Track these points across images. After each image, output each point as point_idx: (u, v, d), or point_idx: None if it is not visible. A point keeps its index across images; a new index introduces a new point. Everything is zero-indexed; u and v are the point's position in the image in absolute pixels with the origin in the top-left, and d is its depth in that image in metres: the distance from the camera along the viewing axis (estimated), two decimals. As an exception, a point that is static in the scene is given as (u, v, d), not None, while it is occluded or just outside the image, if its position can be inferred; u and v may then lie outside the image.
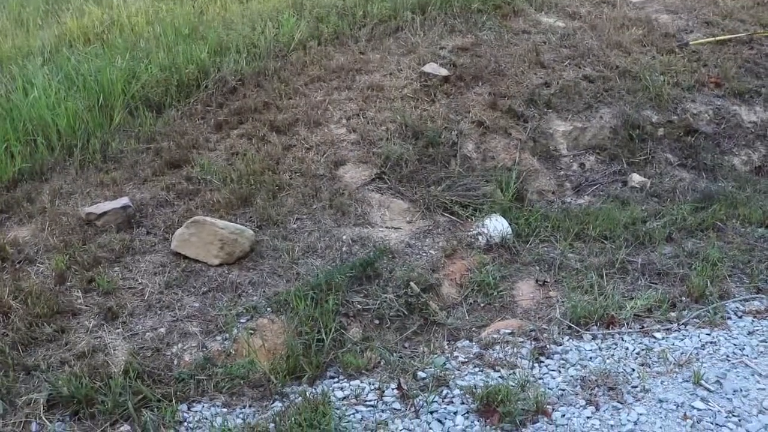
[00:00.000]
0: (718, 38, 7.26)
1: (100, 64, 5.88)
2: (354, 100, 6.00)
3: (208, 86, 6.02)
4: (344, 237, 4.73)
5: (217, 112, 5.85)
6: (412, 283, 4.39)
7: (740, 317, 4.08)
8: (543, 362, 3.75)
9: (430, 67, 6.34)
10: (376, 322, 4.21)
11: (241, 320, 4.03)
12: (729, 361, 3.68)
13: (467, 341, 4.07)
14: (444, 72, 6.30)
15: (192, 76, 6.04)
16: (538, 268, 4.81)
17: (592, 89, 6.45)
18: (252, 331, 3.97)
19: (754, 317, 4.07)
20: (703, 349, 3.79)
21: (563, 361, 3.74)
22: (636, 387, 3.51)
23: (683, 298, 4.32)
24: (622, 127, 6.19)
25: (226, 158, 5.34)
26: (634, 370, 3.64)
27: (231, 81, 6.07)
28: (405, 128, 5.68)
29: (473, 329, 4.23)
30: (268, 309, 4.12)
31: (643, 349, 3.81)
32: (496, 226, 5.03)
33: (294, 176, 5.18)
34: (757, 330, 3.93)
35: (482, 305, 4.45)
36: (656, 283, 4.54)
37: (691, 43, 7.17)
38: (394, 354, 3.98)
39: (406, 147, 5.51)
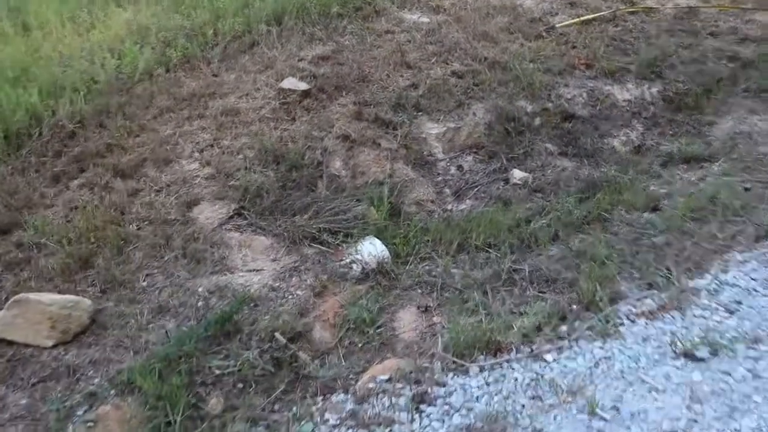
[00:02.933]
0: (582, 18, 6.91)
1: None
2: (207, 129, 5.33)
3: (43, 133, 5.23)
4: (200, 289, 4.08)
5: (53, 162, 5.07)
6: (277, 334, 3.79)
7: (633, 321, 3.63)
8: (424, 411, 3.20)
9: (289, 83, 5.72)
10: (240, 386, 3.58)
11: (78, 412, 3.33)
12: (624, 378, 3.22)
13: (343, 394, 3.49)
14: (304, 86, 5.69)
15: (22, 125, 5.23)
16: (419, 291, 4.28)
17: (462, 85, 5.97)
18: (91, 425, 3.28)
19: (647, 319, 3.63)
20: (597, 368, 3.32)
21: (447, 407, 3.21)
22: (527, 429, 3.00)
23: (573, 307, 3.85)
24: (497, 121, 5.73)
25: (64, 215, 4.60)
26: (524, 406, 3.13)
27: (68, 125, 5.29)
28: (264, 153, 5.05)
29: (350, 377, 3.65)
30: (111, 392, 3.44)
31: (533, 379, 3.30)
32: (371, 250, 4.46)
33: (142, 225, 4.49)
34: (651, 335, 3.48)
35: (360, 346, 3.88)
36: (545, 292, 4.07)
37: (557, 26, 6.79)
38: (260, 423, 3.37)
39: (267, 175, 4.88)
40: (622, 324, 3.62)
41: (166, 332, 3.78)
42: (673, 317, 3.60)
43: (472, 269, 4.42)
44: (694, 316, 3.59)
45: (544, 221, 4.84)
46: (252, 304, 4.00)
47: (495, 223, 4.81)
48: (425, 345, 3.81)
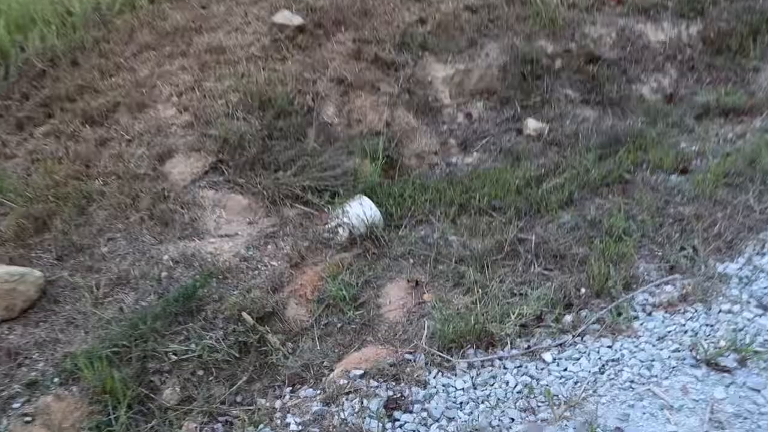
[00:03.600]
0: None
1: None
2: (189, 69, 4.77)
3: (9, 73, 4.72)
4: (165, 258, 3.62)
5: (19, 105, 4.59)
6: (244, 314, 3.33)
7: (649, 314, 3.10)
8: (398, 420, 2.74)
9: (282, 16, 5.10)
10: (200, 374, 3.16)
11: (15, 404, 2.94)
12: (633, 389, 2.72)
13: (311, 388, 3.04)
14: (298, 20, 5.07)
15: (-12, 63, 4.73)
16: (411, 261, 3.78)
17: (475, 21, 5.29)
18: (29, 419, 2.89)
19: (666, 311, 3.10)
20: (603, 374, 2.81)
21: (425, 415, 2.75)
22: (513, 452, 2.54)
23: (582, 291, 3.32)
24: (513, 63, 5.07)
25: (25, 168, 4.14)
26: (513, 420, 2.66)
27: (37, 63, 4.76)
28: (250, 98, 4.49)
29: (324, 365, 3.20)
30: (55, 381, 3.03)
31: (526, 385, 2.81)
32: (360, 211, 3.95)
33: (108, 180, 4.02)
34: (669, 334, 2.96)
35: (339, 326, 3.42)
36: (551, 269, 3.54)
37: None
38: (218, 419, 2.96)
39: (250, 122, 4.34)
40: (636, 317, 3.09)
41: (122, 309, 3.35)
42: (696, 311, 3.07)
43: (472, 236, 3.89)
44: (721, 311, 3.05)
45: (557, 181, 4.26)
46: (221, 277, 3.54)
47: (502, 182, 4.25)
48: (411, 329, 3.33)
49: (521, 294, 3.38)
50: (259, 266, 3.62)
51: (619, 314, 3.11)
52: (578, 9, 5.49)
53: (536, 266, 3.58)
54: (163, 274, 3.54)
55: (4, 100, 4.57)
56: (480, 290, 3.44)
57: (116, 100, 4.52)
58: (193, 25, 5.14)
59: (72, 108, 4.48)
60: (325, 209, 4.00)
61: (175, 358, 3.16)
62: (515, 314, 3.18)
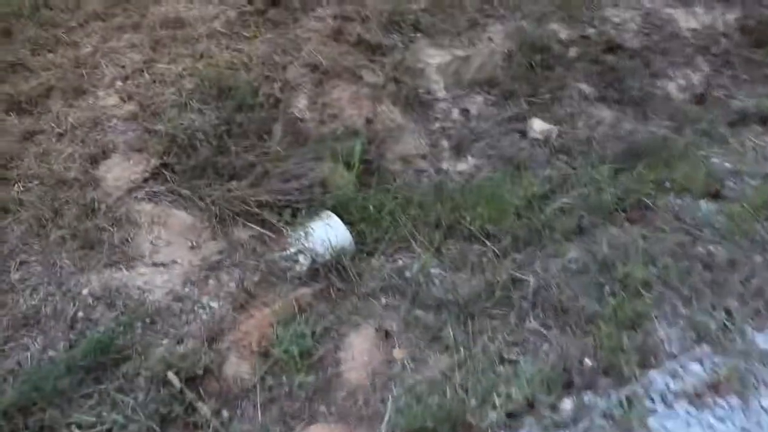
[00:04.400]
0: None
1: None
2: (139, 46, 4.03)
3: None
4: (84, 292, 2.96)
5: (-61, 85, 3.85)
6: (170, 374, 2.68)
7: (670, 406, 2.44)
8: None
9: (253, -14, 4.31)
10: (111, 451, 2.53)
11: None
12: None
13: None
14: (270, -9, 4.28)
15: None
16: (384, 301, 3.12)
17: (477, -2, 4.48)
18: None
19: (691, 404, 2.43)
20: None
21: None
22: None
23: (586, 363, 2.66)
24: (520, 50, 4.30)
25: (-65, 164, 3.44)
26: None
27: (-37, 33, 4.02)
28: (207, 85, 3.75)
29: (263, 447, 2.56)
30: None
31: None
32: (327, 235, 3.27)
33: (30, 186, 3.32)
34: (696, 441, 2.29)
35: (287, 390, 2.77)
36: (551, 327, 2.88)
37: None
38: None
39: (205, 116, 3.61)
40: (652, 411, 2.42)
41: (19, 363, 2.70)
42: (730, 408, 2.40)
43: (458, 271, 3.22)
44: (763, 408, 2.38)
45: (565, 200, 3.56)
46: (148, 321, 2.88)
47: (499, 201, 3.55)
48: (373, 399, 2.69)
49: (511, 361, 2.72)
50: (196, 308, 2.95)
51: (630, 404, 2.44)
52: (597, -14, 4.67)
53: (532, 320, 2.91)
54: (80, 314, 2.88)
55: None
56: (462, 350, 2.78)
57: (51, 83, 3.79)
58: (151, -9, 4.36)
59: (0, 91, 3.75)
60: (284, 231, 3.31)
61: (80, 432, 2.53)
62: (502, 396, 2.52)
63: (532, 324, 2.88)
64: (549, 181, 3.70)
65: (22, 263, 3.07)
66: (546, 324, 2.87)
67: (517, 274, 3.13)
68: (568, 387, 2.56)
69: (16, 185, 3.33)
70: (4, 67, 3.89)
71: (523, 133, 4.07)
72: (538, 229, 3.38)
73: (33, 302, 2.91)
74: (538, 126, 4.04)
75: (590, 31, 4.42)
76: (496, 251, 3.29)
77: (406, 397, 2.60)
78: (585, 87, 4.26)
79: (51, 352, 2.76)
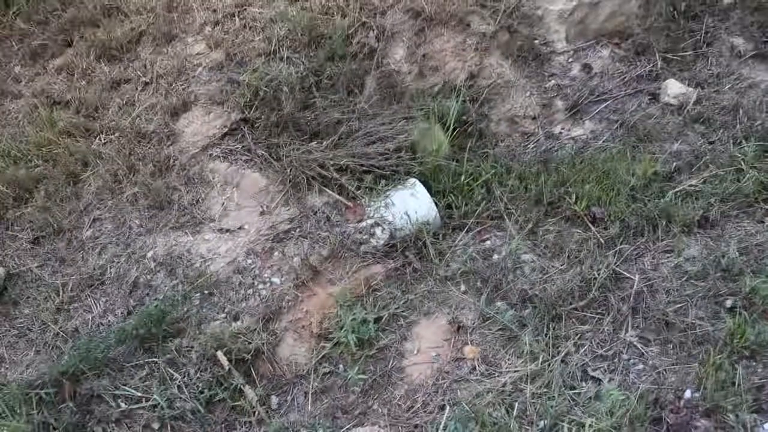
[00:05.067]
0: None
1: None
2: (233, -12, 3.78)
3: (36, -15, 3.96)
4: (149, 255, 2.86)
5: (40, 30, 3.85)
6: (219, 354, 2.52)
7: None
8: None
9: None
10: (155, 426, 2.43)
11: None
12: None
13: (280, 485, 2.23)
14: (377, -75, 3.86)
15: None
16: (463, 288, 2.78)
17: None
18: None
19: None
20: None
21: None
22: None
23: (686, 395, 2.20)
24: (661, -6, 3.63)
25: (28, 113, 3.44)
26: None
27: (66, -26, 3.96)
28: (299, 31, 3.46)
29: (309, 443, 2.37)
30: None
31: None
32: (410, 206, 2.96)
33: (110, 138, 3.24)
34: None
35: (341, 381, 2.54)
36: (650, 342, 2.43)
37: None
38: None
39: (294, 66, 3.34)
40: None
41: (77, 329, 2.64)
42: None
43: (553, 259, 2.81)
44: None
45: (692, 183, 3.00)
46: (206, 292, 2.72)
47: (614, 178, 3.06)
48: (433, 403, 2.40)
49: (595, 380, 2.31)
50: (257, 282, 2.75)
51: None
52: None
53: (630, 330, 2.47)
54: (141, 279, 2.78)
55: (26, 22, 3.85)
56: (541, 357, 2.41)
57: (142, 28, 3.67)
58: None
59: (92, 36, 3.69)
60: (363, 200, 3.02)
61: (125, 407, 2.44)
62: (573, 426, 2.13)
63: (629, 335, 2.45)
64: (677, 158, 3.14)
65: (95, 220, 3.01)
66: (645, 338, 2.42)
67: (621, 271, 2.68)
68: (656, 425, 2.12)
69: (97, 137, 3.26)
70: (102, 11, 3.81)
71: (655, 96, 3.48)
72: (654, 216, 2.87)
73: (100, 263, 2.86)
74: (673, 88, 3.43)
75: (754, -29, 3.66)
76: (600, 239, 2.83)
77: (467, 407, 2.28)
78: (739, 41, 3.56)
79: (110, 317, 2.69)
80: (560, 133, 3.47)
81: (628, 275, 2.65)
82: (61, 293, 2.78)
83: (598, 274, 2.64)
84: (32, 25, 3.83)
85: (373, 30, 3.50)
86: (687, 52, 3.54)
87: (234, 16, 3.64)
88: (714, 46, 3.55)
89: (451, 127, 3.27)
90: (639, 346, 2.40)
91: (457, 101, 3.31)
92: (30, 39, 3.78)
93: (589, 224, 2.92)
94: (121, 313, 2.71)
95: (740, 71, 3.48)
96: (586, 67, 3.60)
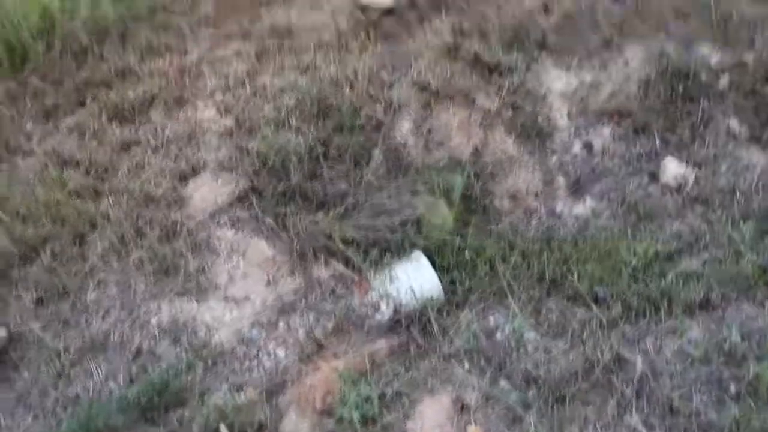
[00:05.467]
0: None
1: None
2: (245, 55, 3.89)
3: (52, 46, 4.02)
4: (153, 322, 2.85)
5: (54, 89, 3.90)
6: (222, 427, 2.50)
7: None
8: None
9: (369, -6, 4.04)
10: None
11: None
12: None
13: None
14: (386, 1, 3.98)
15: (29, 34, 4.02)
16: (466, 365, 2.78)
17: (616, 13, 3.97)
18: None
19: None
20: None
21: None
22: None
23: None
24: (660, 76, 3.75)
25: (38, 171, 3.46)
26: None
27: (83, 37, 4.02)
28: (308, 101, 3.53)
29: None
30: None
31: None
32: (415, 281, 2.98)
33: (118, 200, 3.25)
34: None
35: (345, 461, 2.51)
36: (654, 428, 2.43)
37: None
38: None
39: (303, 135, 3.38)
40: None
41: (78, 396, 2.62)
42: None
43: (556, 338, 2.83)
44: None
45: (693, 265, 3.05)
46: (210, 362, 2.71)
47: (615, 258, 3.10)
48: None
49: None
50: (261, 354, 2.76)
51: None
52: (766, 3, 4.00)
53: (633, 416, 2.47)
54: (145, 345, 2.78)
55: (41, 80, 3.89)
56: (545, 442, 2.40)
57: (154, 92, 3.72)
58: (266, -3, 4.20)
59: (106, 97, 3.74)
60: (368, 273, 3.03)
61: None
62: None
63: (633, 419, 2.45)
64: (677, 238, 3.20)
65: (99, 283, 3.01)
66: (649, 423, 2.43)
67: (624, 353, 2.69)
68: None
69: (106, 199, 3.28)
70: (116, 72, 3.87)
71: (654, 176, 3.56)
72: (656, 297, 2.91)
73: (103, 327, 2.86)
74: (672, 168, 3.51)
75: (749, 56, 3.78)
76: (603, 320, 2.86)
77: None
78: (735, 123, 3.66)
79: (112, 384, 2.68)
80: (562, 210, 3.53)
81: (631, 358, 2.66)
82: (62, 357, 2.76)
83: (602, 356, 2.65)
84: (46, 83, 3.87)
85: (381, 103, 3.57)
86: (685, 132, 3.63)
87: (245, 84, 3.71)
88: (710, 127, 3.64)
89: (456, 203, 3.32)
90: (643, 431, 2.40)
91: (462, 176, 3.37)
92: (43, 97, 3.81)
93: (592, 304, 2.95)
94: (123, 380, 2.69)
95: (737, 153, 3.57)
96: (588, 145, 3.68)
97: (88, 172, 3.40)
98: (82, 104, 3.79)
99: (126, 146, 3.51)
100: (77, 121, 3.68)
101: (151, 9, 4.18)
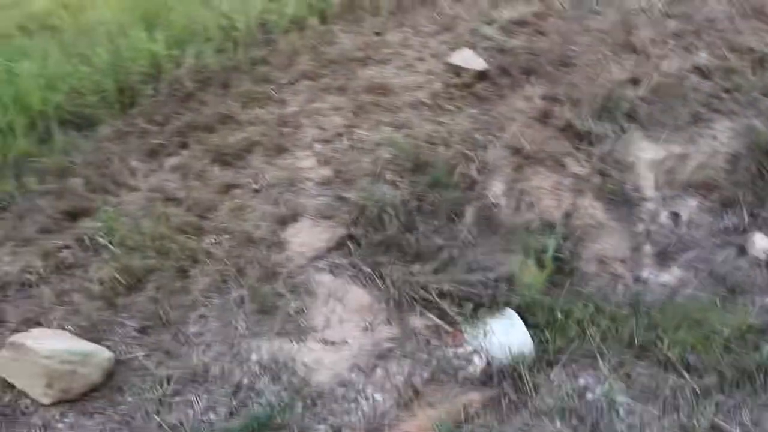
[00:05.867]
0: None
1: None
2: (342, 109, 4.03)
3: (159, 91, 4.23)
4: (253, 358, 2.91)
5: (159, 129, 4.08)
6: (322, 469, 2.53)
7: None
8: None
9: (462, 57, 4.22)
10: None
11: None
12: None
13: None
14: (479, 64, 4.16)
15: (138, 78, 4.26)
16: (558, 424, 2.77)
17: (705, 89, 4.07)
18: None
19: None
20: None
21: None
22: None
23: None
24: (748, 152, 3.81)
25: (143, 206, 3.60)
26: None
27: (187, 83, 4.23)
28: (404, 157, 3.65)
29: None
30: None
31: None
32: (507, 337, 3.01)
33: (220, 239, 3.37)
34: None
35: None
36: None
37: None
38: None
39: (398, 189, 3.50)
40: None
41: (181, 422, 2.68)
42: None
43: (647, 404, 2.81)
44: None
45: (787, 340, 3.03)
46: (309, 402, 2.76)
47: (706, 327, 3.09)
48: None
49: None
50: (359, 398, 2.79)
51: None
52: None
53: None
54: (245, 381, 2.83)
55: (147, 122, 4.08)
56: None
57: (254, 139, 3.88)
58: (361, 54, 4.39)
59: (207, 141, 3.91)
60: (462, 326, 3.08)
61: None
62: None
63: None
64: (769, 313, 3.19)
65: (200, 317, 3.09)
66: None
67: (721, 423, 2.67)
68: None
69: (208, 237, 3.39)
70: (218, 118, 4.04)
71: (742, 249, 3.57)
72: (751, 370, 2.89)
73: (204, 359, 2.91)
74: (761, 243, 3.52)
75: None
76: (696, 388, 2.84)
77: None
78: (824, 203, 3.67)
79: (212, 415, 2.73)
80: (648, 277, 3.55)
81: (729, 429, 2.65)
82: (164, 385, 2.83)
83: (698, 425, 2.64)
84: (152, 124, 4.06)
85: (475, 162, 3.67)
86: (774, 209, 3.65)
87: (342, 136, 3.85)
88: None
89: (548, 263, 3.36)
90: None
91: (553, 239, 3.42)
92: (148, 137, 4.00)
93: (684, 371, 2.94)
94: (224, 413, 2.74)
95: (826, 232, 3.57)
96: (675, 215, 3.72)
97: (190, 210, 3.53)
98: (185, 146, 3.95)
99: (227, 188, 3.64)
100: (181, 162, 3.84)
101: (253, 60, 4.38)
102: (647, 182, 3.78)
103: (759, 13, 4.49)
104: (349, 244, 3.34)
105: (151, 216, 3.48)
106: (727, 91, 4.03)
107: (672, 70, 4.13)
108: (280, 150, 3.81)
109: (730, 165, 3.79)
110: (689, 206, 3.74)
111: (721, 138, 3.86)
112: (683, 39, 4.34)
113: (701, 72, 4.13)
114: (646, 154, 3.82)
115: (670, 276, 3.52)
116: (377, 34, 4.61)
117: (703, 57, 4.20)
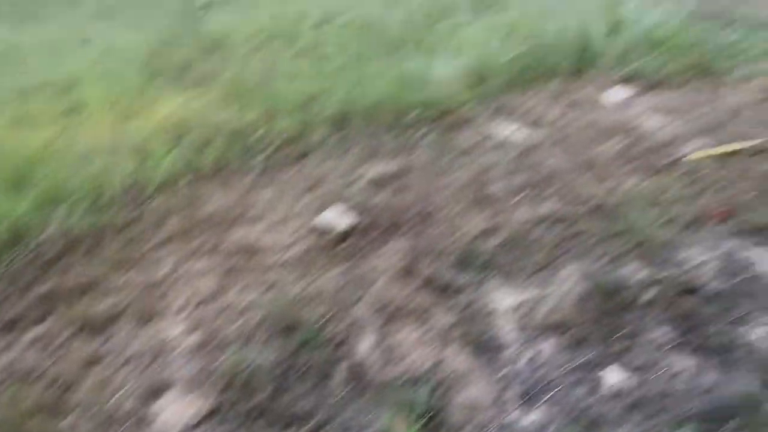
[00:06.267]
0: (722, 149, 5.13)
1: None
2: (212, 271, 4.04)
3: (18, 255, 4.09)
4: None
5: (20, 297, 3.92)
6: None
7: None
8: None
9: (329, 215, 4.37)
10: None
11: None
12: None
13: None
14: (345, 223, 4.31)
15: (2, 241, 4.11)
16: None
17: (553, 236, 4.38)
18: None
19: None
20: None
21: None
22: None
23: None
24: (594, 292, 4.08)
25: (-2, 386, 3.38)
26: None
27: (53, 247, 4.12)
28: (273, 319, 3.66)
29: None
30: None
31: None
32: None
33: (82, 419, 3.19)
34: None
35: None
36: None
37: (687, 158, 5.07)
38: None
39: (269, 351, 3.48)
40: None
41: None
42: None
43: None
44: None
45: (642, 477, 3.16)
46: None
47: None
48: None
49: None
50: None
51: None
52: (676, 226, 4.51)
53: None
54: None
55: (8, 287, 3.90)
56: None
57: (123, 305, 3.79)
58: (231, 214, 4.47)
59: (73, 308, 3.79)
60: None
61: None
62: None
63: None
64: (626, 447, 3.33)
65: None
66: None
67: None
68: None
69: (66, 418, 3.22)
70: (85, 283, 3.94)
71: (597, 383, 3.75)
72: None
73: None
74: (611, 376, 3.72)
75: (666, 273, 4.17)
76: None
77: None
78: (661, 333, 3.95)
79: None
80: (514, 421, 3.63)
81: None
82: None
83: None
84: (13, 291, 3.89)
85: (343, 321, 3.74)
86: (621, 341, 3.89)
87: (211, 300, 3.83)
88: (641, 336, 3.89)
89: (416, 418, 3.40)
90: None
91: (421, 392, 3.48)
92: (7, 306, 3.82)
93: None
94: None
95: (666, 360, 3.80)
96: (533, 358, 3.88)
97: (49, 387, 3.35)
98: (48, 314, 3.80)
99: (93, 360, 3.50)
100: (42, 333, 3.68)
101: (123, 222, 4.35)
102: (507, 327, 3.96)
103: (592, 166, 4.96)
104: (219, 415, 3.26)
105: (2, 399, 3.27)
106: (573, 236, 4.36)
107: (523, 219, 4.44)
108: (149, 317, 3.74)
109: (580, 304, 4.04)
110: (547, 347, 3.92)
111: (571, 279, 4.14)
112: (531, 190, 4.71)
113: (549, 220, 4.47)
114: (505, 300, 4.03)
115: (534, 416, 3.62)
116: (248, 192, 4.72)
117: (548, 206, 4.55)
